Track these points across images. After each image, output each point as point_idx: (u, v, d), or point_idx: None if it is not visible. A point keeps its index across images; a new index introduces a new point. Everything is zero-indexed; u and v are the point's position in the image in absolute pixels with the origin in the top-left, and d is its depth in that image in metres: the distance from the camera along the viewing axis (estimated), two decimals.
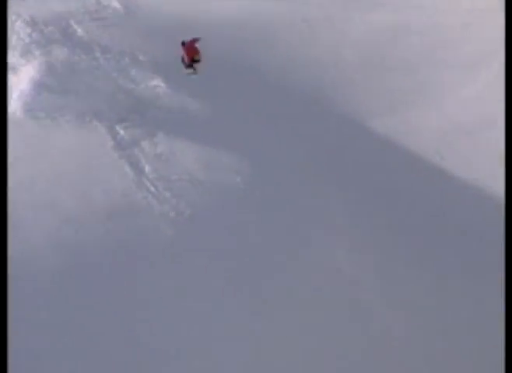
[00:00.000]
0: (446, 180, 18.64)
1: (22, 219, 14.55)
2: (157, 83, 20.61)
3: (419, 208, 17.38)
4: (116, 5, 23.71)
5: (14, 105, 18.47)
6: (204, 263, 14.81)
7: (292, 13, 23.96)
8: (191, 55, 18.79)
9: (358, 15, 23.98)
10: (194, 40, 18.86)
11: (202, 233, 15.52)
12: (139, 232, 15.16)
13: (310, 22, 23.71)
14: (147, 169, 17.39)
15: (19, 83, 19.22)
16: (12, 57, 19.88)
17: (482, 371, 14.27)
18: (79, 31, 22.16)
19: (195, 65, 18.96)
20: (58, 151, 17.14)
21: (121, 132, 18.44)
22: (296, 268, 15.11)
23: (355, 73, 22.23)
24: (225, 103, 19.86)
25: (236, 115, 19.23)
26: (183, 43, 18.86)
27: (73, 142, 17.69)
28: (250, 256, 15.22)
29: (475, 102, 21.24)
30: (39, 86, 19.34)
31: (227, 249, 15.28)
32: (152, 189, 16.68)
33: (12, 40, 20.91)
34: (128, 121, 18.82)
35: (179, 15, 22.97)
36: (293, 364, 13.43)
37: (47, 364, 12.27)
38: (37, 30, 21.88)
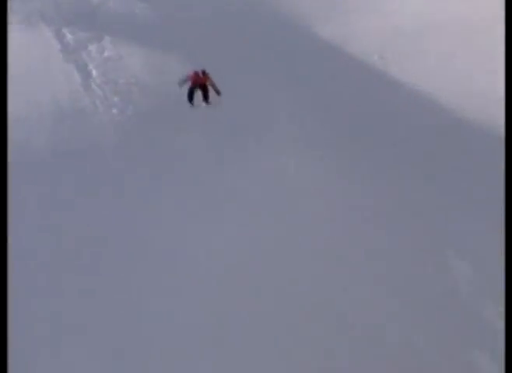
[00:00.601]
0: (386, 80, 18.84)
1: None
2: None
3: (362, 109, 17.46)
4: None
5: None
6: (152, 162, 14.74)
7: None
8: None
9: None
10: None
11: (149, 135, 15.65)
12: (86, 134, 15.31)
13: None
14: (94, 72, 17.51)
15: None
16: None
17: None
18: None
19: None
20: None
21: (68, 35, 18.42)
22: (245, 170, 14.61)
23: None
24: (173, 8, 19.84)
25: (183, 20, 19.24)
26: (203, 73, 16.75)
27: (19, 45, 17.55)
28: (196, 157, 15.03)
29: (415, 5, 21.50)
30: None
31: (175, 149, 15.18)
32: (100, 92, 16.85)
33: None
34: (75, 24, 18.78)
35: None
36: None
37: None
38: None
